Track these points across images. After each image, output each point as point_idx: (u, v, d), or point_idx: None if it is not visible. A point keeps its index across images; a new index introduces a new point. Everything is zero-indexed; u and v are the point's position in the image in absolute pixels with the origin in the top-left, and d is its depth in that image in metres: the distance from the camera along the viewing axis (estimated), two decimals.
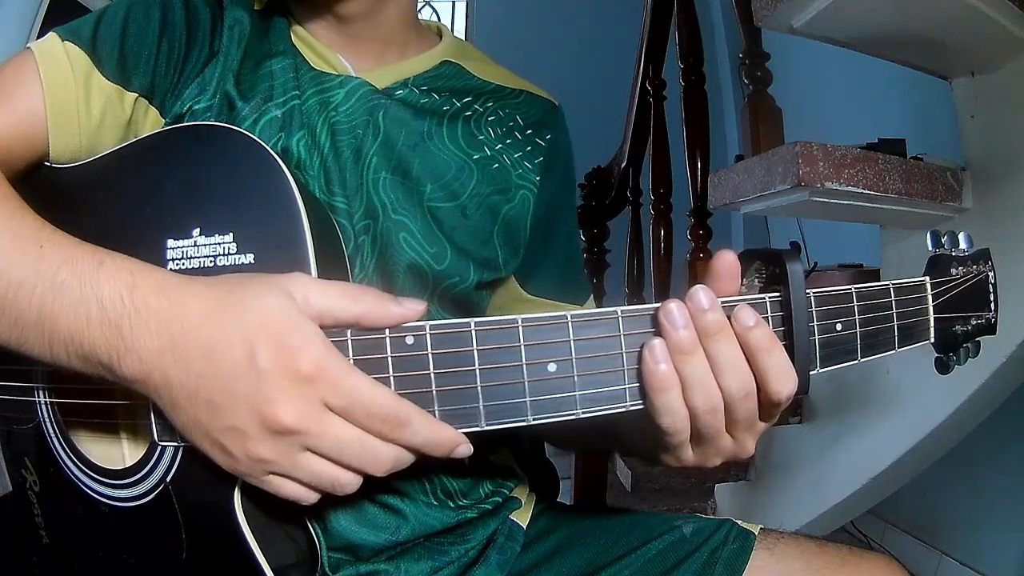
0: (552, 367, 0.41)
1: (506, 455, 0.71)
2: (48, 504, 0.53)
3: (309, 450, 0.39)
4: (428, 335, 0.40)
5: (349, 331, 0.40)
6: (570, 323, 0.41)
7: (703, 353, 0.41)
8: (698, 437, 0.43)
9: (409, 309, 0.40)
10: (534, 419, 0.41)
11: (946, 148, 1.24)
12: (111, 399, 0.47)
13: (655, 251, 1.79)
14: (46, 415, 0.52)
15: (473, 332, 0.40)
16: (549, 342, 0.41)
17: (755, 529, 0.61)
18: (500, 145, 0.64)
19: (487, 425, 0.41)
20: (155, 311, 0.39)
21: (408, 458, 0.40)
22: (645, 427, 0.44)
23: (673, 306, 0.40)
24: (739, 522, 0.62)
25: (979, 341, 0.53)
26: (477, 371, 0.40)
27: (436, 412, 0.40)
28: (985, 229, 1.12)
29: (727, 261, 0.43)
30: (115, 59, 0.53)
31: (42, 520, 0.53)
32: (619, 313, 0.41)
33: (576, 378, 0.41)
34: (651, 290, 1.88)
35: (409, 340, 0.40)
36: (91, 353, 0.40)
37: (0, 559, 0.56)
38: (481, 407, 0.40)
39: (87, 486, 0.50)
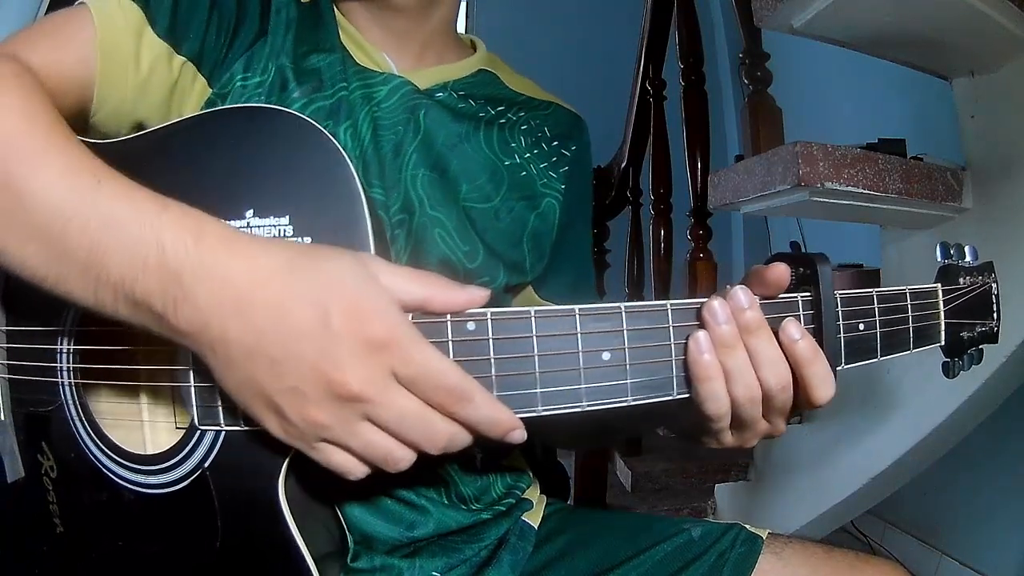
0: (606, 355, 0.42)
1: (518, 458, 0.71)
2: (65, 491, 0.51)
3: (368, 419, 0.38)
4: (489, 321, 0.41)
5: (410, 315, 0.40)
6: (624, 313, 0.42)
7: (744, 348, 0.43)
8: (738, 423, 0.46)
9: (474, 296, 0.40)
10: (588, 405, 0.42)
11: (946, 148, 1.24)
12: (144, 380, 0.47)
13: (655, 251, 1.79)
14: (69, 397, 0.51)
15: (533, 320, 0.41)
16: (604, 331, 0.42)
17: (763, 533, 0.62)
18: (528, 154, 0.66)
19: (543, 410, 0.42)
20: (222, 263, 0.37)
21: (464, 437, 0.40)
22: (687, 413, 0.46)
23: (716, 303, 0.42)
24: (747, 526, 0.63)
25: (982, 348, 0.56)
26: (536, 358, 0.41)
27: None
28: (985, 229, 1.13)
29: (779, 273, 0.44)
30: (167, 20, 0.54)
31: (57, 508, 0.52)
32: (668, 306, 0.43)
33: (628, 367, 0.42)
34: (651, 290, 1.88)
35: (471, 326, 0.41)
36: (143, 299, 0.37)
37: (8, 547, 0.55)
38: (539, 392, 0.41)
39: (113, 472, 0.49)
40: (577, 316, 0.42)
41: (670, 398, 0.44)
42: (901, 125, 1.81)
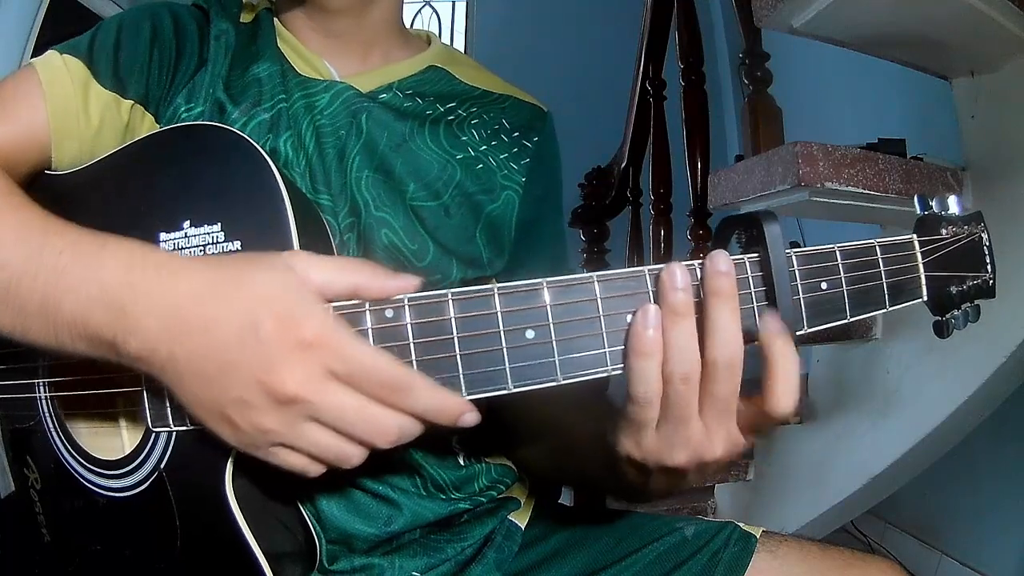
0: (530, 333, 0.41)
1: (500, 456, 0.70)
2: (49, 501, 0.53)
3: (313, 420, 0.39)
4: (407, 306, 0.40)
5: (331, 306, 0.40)
6: (546, 289, 0.41)
7: (693, 320, 0.40)
8: (666, 414, 0.41)
9: (405, 283, 0.41)
10: (515, 386, 0.41)
11: (946, 148, 1.24)
12: (110, 388, 0.47)
13: (655, 251, 1.78)
14: (46, 410, 0.52)
15: (450, 301, 0.40)
16: (526, 308, 0.41)
17: (757, 532, 0.61)
18: (485, 147, 0.65)
19: (468, 394, 0.41)
20: (156, 291, 0.39)
21: (413, 428, 0.40)
22: (608, 410, 0.44)
23: (677, 268, 0.40)
24: (741, 525, 0.62)
25: (978, 305, 0.52)
26: (456, 340, 0.40)
27: None
28: None
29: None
30: (111, 69, 0.56)
31: (43, 518, 0.54)
32: (594, 278, 0.41)
33: (555, 343, 0.41)
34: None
35: (388, 312, 0.41)
36: (95, 335, 0.40)
37: (4, 558, 0.57)
38: (461, 376, 0.41)
39: (85, 479, 0.50)
40: (496, 295, 0.41)
41: (605, 374, 0.42)
42: (901, 125, 1.81)
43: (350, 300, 0.40)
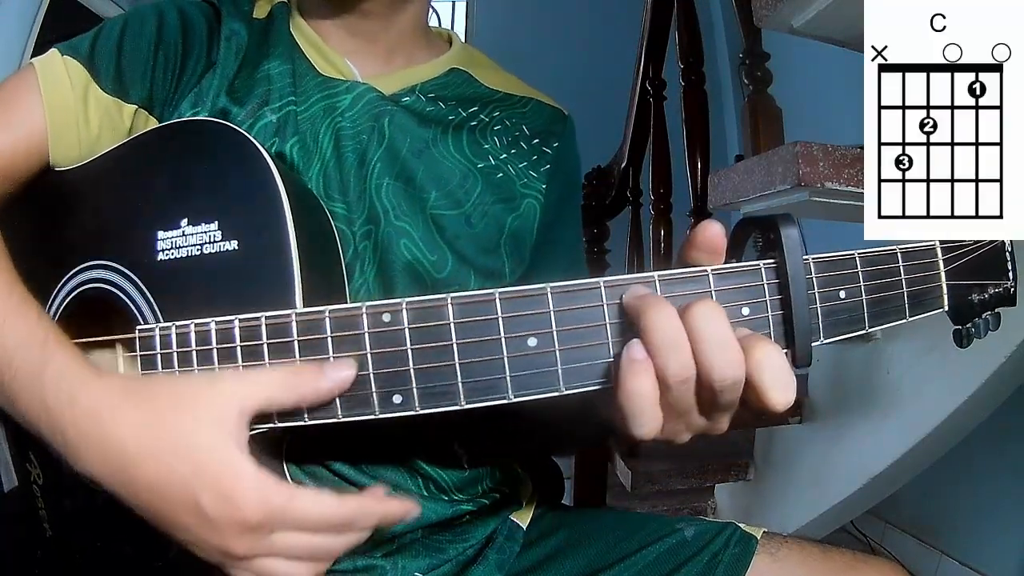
0: (532, 341, 0.39)
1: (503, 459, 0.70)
2: (51, 496, 0.53)
3: (267, 556, 0.41)
4: (404, 310, 0.39)
5: (328, 309, 0.40)
6: (550, 295, 0.39)
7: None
8: (668, 413, 0.39)
9: (335, 381, 0.39)
10: (515, 396, 0.39)
11: None
12: None
13: (655, 251, 1.78)
14: None
15: (450, 306, 0.39)
16: (528, 314, 0.39)
17: (758, 533, 0.61)
18: (505, 155, 0.64)
19: (467, 404, 0.39)
20: (94, 439, 0.39)
21: (363, 536, 0.43)
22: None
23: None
24: (742, 526, 0.62)
25: (999, 313, 0.49)
26: (455, 346, 0.39)
27: (415, 391, 0.40)
28: None
29: (709, 234, 0.40)
30: (112, 72, 0.55)
31: (46, 513, 0.53)
32: (601, 283, 0.39)
33: (558, 352, 0.39)
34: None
35: (386, 317, 0.40)
36: (50, 445, 0.41)
37: (7, 553, 0.57)
38: (460, 384, 0.39)
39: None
40: (497, 300, 0.39)
41: (610, 385, 0.39)
42: None
43: (294, 408, 0.40)
